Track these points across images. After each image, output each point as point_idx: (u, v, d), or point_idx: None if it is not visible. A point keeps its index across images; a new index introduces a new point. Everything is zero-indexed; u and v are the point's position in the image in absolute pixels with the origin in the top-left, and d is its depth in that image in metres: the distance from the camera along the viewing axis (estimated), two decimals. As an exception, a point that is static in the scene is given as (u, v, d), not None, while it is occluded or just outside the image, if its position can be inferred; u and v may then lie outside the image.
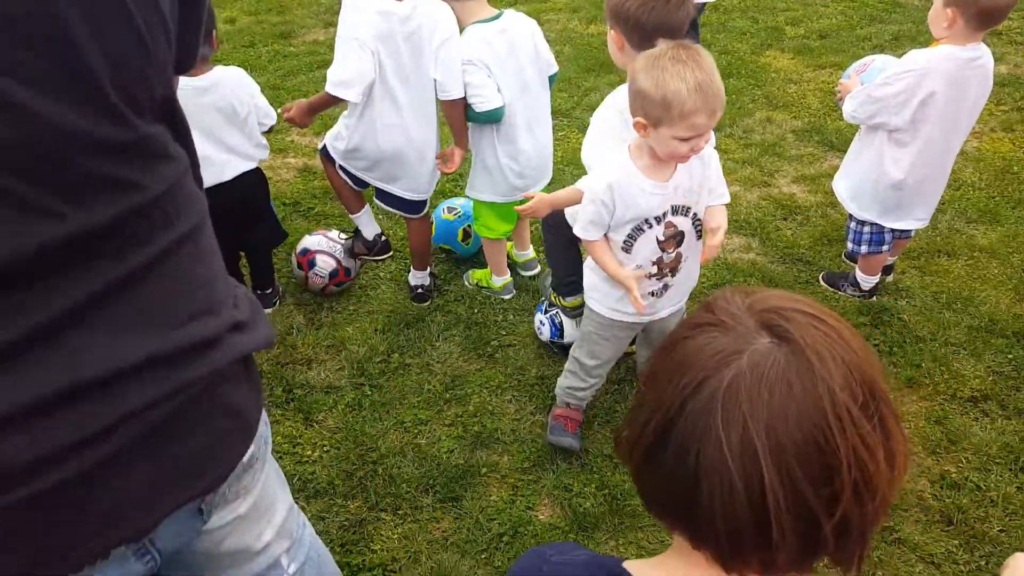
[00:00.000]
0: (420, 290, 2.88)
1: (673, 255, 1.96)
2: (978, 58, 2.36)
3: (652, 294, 2.01)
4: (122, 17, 0.72)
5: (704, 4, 4.40)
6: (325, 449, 2.30)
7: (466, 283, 2.99)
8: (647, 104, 1.66)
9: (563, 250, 2.52)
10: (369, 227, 2.92)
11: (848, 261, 3.03)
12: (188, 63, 0.88)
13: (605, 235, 1.93)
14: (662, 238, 1.91)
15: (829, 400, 0.60)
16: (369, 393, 2.49)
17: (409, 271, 2.93)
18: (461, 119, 2.56)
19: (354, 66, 2.35)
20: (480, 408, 2.44)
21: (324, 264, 2.81)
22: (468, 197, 2.84)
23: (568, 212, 2.34)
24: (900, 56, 2.48)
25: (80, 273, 0.74)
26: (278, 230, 2.78)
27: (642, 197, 1.84)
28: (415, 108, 2.50)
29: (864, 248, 2.74)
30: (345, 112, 2.59)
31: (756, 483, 0.60)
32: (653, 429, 0.65)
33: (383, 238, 2.97)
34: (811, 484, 0.60)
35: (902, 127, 2.46)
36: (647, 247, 1.92)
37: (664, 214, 1.88)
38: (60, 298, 0.73)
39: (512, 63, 2.49)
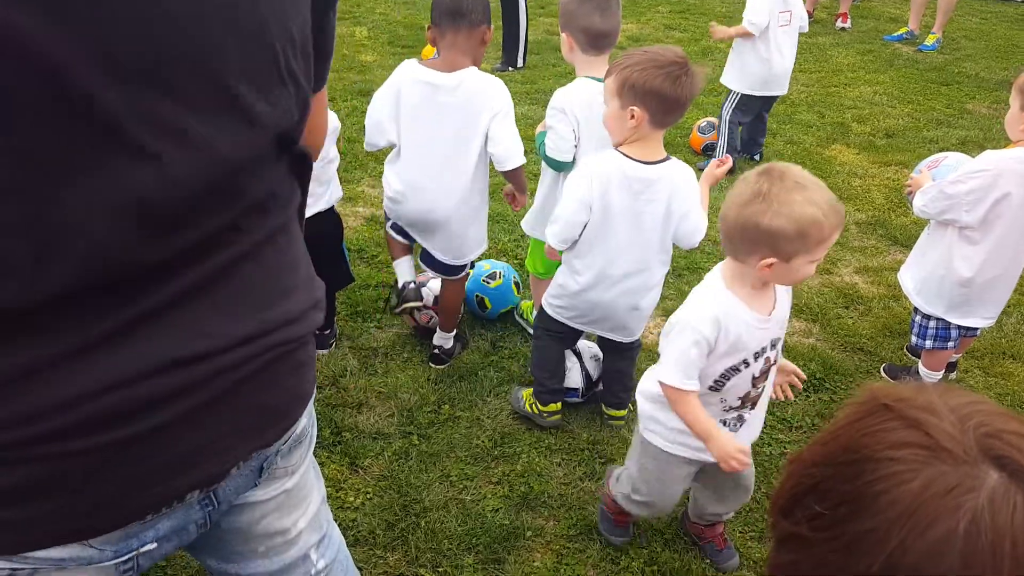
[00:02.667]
0: (437, 351, 2.83)
1: (760, 389, 1.78)
2: (1057, 161, 2.35)
3: (723, 423, 1.80)
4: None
5: (774, 98, 4.51)
6: (368, 496, 2.29)
7: (516, 317, 3.05)
8: (780, 242, 1.50)
9: (552, 351, 2.52)
10: (404, 275, 2.86)
11: (911, 355, 2.96)
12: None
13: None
14: (757, 374, 1.72)
15: None
16: (417, 443, 2.49)
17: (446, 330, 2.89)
18: (522, 181, 2.61)
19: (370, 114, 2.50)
20: (528, 468, 2.41)
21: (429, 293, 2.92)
22: (525, 231, 2.83)
23: (547, 297, 2.40)
24: (972, 155, 2.49)
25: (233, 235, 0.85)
26: (347, 273, 2.85)
27: (748, 333, 1.64)
28: (445, 175, 2.50)
29: (929, 343, 2.69)
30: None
31: None
32: (864, 570, 0.57)
33: (411, 285, 2.86)
34: None
35: (974, 225, 2.44)
36: (741, 386, 1.72)
37: (763, 349, 1.69)
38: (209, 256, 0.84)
39: (600, 127, 2.52)
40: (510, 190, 2.70)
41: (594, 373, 2.68)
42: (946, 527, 0.54)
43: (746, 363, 1.67)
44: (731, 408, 1.78)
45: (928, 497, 0.56)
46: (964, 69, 6.55)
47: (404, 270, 2.85)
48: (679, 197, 2.14)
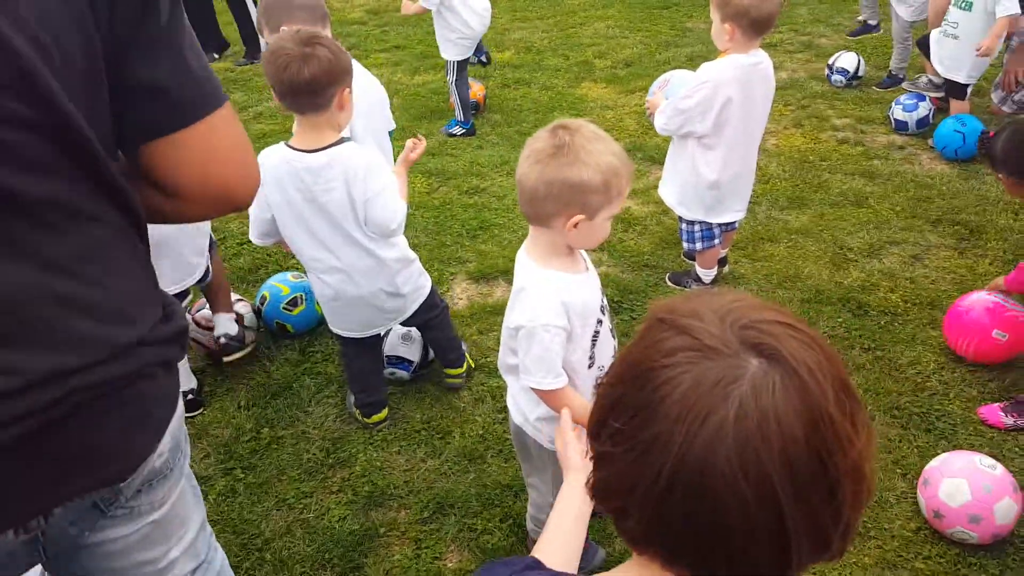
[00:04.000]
0: (224, 339, 2.66)
1: (616, 337, 1.74)
2: (759, 63, 2.65)
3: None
4: None
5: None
6: (203, 547, 2.11)
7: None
8: (588, 195, 1.43)
9: (357, 365, 2.47)
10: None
11: (687, 259, 3.25)
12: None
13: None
14: (612, 326, 1.69)
15: (828, 422, 0.60)
16: (242, 476, 2.33)
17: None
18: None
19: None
20: (368, 467, 2.34)
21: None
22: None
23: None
24: (695, 70, 2.73)
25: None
26: None
27: (586, 296, 1.59)
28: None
29: (699, 245, 2.96)
30: None
31: (775, 516, 0.59)
32: (659, 470, 0.60)
33: (190, 397, 2.61)
34: (821, 503, 0.60)
35: (708, 132, 2.69)
36: (606, 345, 1.67)
37: (601, 303, 1.65)
38: None
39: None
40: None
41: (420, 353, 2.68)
42: (719, 417, 0.59)
43: (599, 321, 1.64)
44: (606, 368, 1.75)
45: (700, 393, 0.60)
46: (679, -8, 7.16)
47: (183, 379, 2.62)
48: (358, 182, 2.05)
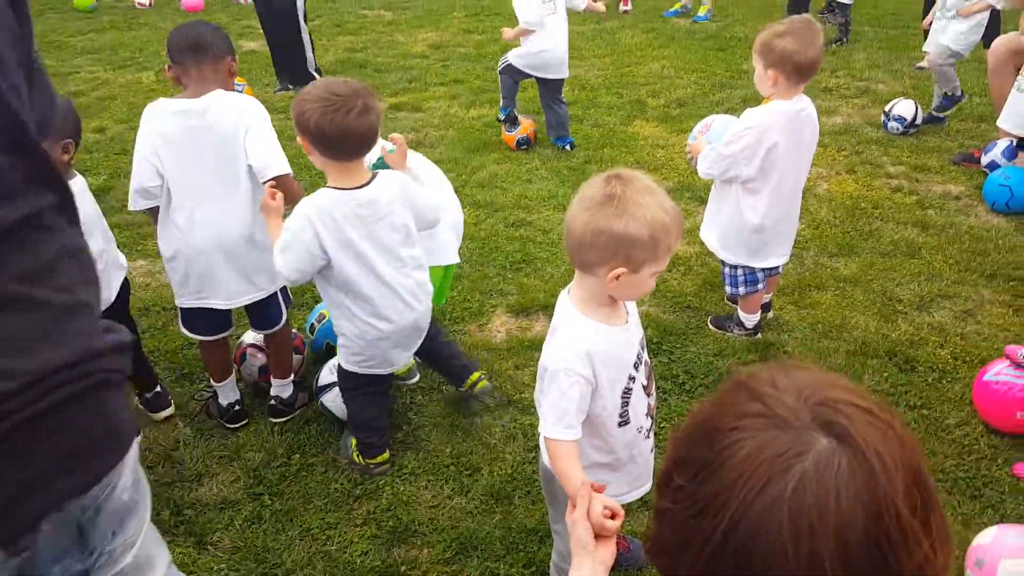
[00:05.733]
0: (275, 402, 2.67)
1: (652, 395, 1.69)
2: (804, 108, 2.62)
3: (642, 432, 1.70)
4: None
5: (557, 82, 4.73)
6: (223, 574, 2.13)
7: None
8: (633, 248, 1.41)
9: (369, 410, 2.42)
10: (229, 396, 2.68)
11: (730, 303, 3.19)
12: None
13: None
14: (645, 382, 1.64)
15: (893, 514, 0.58)
16: (269, 503, 2.35)
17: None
18: (294, 189, 2.36)
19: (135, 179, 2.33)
20: (394, 500, 2.35)
21: (253, 359, 2.80)
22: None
23: None
24: (738, 115, 2.72)
25: None
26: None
27: (620, 350, 1.56)
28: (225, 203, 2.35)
29: (742, 289, 2.91)
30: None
31: None
32: (711, 532, 0.61)
33: (237, 408, 2.68)
34: None
35: (753, 176, 2.66)
36: (640, 403, 1.62)
37: (638, 356, 1.61)
38: None
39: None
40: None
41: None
42: (778, 487, 0.59)
43: (632, 379, 1.59)
44: (643, 428, 1.68)
45: (762, 459, 0.60)
46: (735, 33, 7.16)
47: (230, 391, 2.68)
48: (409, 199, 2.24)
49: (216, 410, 2.70)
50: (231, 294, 2.45)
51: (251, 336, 2.82)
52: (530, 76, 4.72)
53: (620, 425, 1.60)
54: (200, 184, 2.33)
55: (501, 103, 5.05)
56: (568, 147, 4.83)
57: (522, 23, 4.53)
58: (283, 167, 2.33)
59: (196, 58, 2.29)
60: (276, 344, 2.68)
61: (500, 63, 4.88)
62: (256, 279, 2.47)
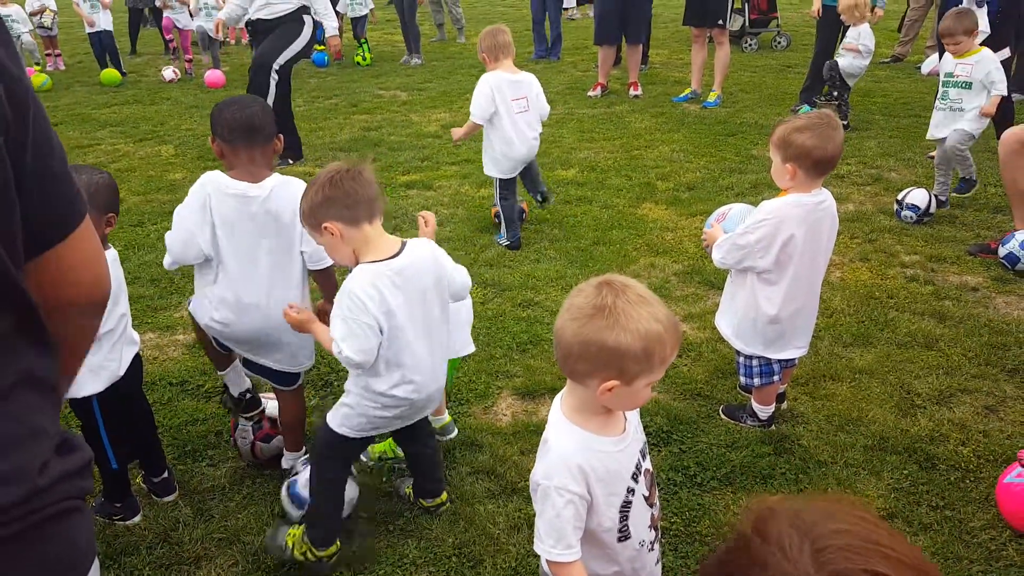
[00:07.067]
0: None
1: (655, 504, 1.61)
2: (823, 201, 2.62)
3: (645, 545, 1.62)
4: None
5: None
6: (216, 665, 2.02)
7: (364, 458, 2.79)
8: (626, 361, 1.36)
9: (334, 488, 2.31)
10: (240, 384, 2.73)
11: (743, 392, 3.13)
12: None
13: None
14: (647, 493, 1.56)
15: None
16: (265, 592, 2.25)
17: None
18: (334, 281, 2.46)
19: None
20: (391, 593, 2.24)
21: (244, 426, 2.75)
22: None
23: None
24: (756, 203, 2.72)
25: None
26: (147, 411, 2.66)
27: (616, 462, 1.48)
28: (275, 290, 2.40)
29: (757, 380, 2.85)
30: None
31: None
32: None
33: (248, 395, 2.75)
34: None
35: (769, 268, 2.65)
36: (641, 516, 1.54)
37: (637, 465, 1.53)
38: None
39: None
40: (324, 306, 2.46)
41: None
42: None
43: (631, 491, 1.51)
44: (646, 542, 1.60)
45: None
46: (745, 119, 7.31)
47: (236, 378, 2.71)
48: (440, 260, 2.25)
49: (232, 404, 2.73)
50: (273, 362, 2.52)
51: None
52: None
53: (620, 540, 1.52)
54: (254, 269, 2.37)
55: (503, 231, 4.70)
56: (549, 201, 4.94)
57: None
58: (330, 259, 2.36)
59: (248, 140, 2.32)
60: (289, 408, 2.67)
61: (497, 199, 4.63)
62: (300, 356, 2.53)
